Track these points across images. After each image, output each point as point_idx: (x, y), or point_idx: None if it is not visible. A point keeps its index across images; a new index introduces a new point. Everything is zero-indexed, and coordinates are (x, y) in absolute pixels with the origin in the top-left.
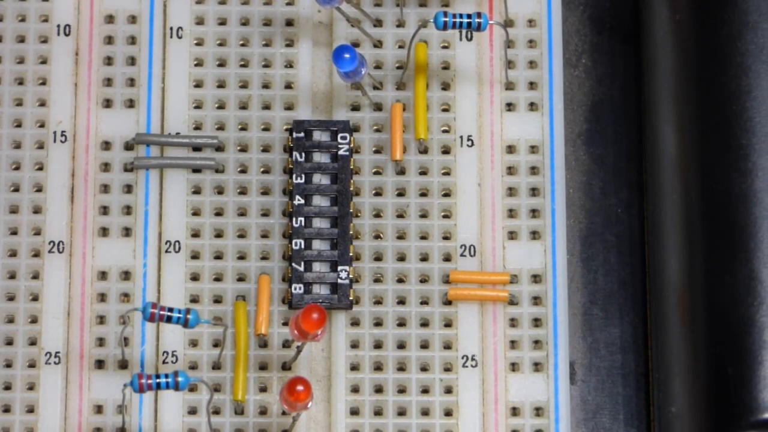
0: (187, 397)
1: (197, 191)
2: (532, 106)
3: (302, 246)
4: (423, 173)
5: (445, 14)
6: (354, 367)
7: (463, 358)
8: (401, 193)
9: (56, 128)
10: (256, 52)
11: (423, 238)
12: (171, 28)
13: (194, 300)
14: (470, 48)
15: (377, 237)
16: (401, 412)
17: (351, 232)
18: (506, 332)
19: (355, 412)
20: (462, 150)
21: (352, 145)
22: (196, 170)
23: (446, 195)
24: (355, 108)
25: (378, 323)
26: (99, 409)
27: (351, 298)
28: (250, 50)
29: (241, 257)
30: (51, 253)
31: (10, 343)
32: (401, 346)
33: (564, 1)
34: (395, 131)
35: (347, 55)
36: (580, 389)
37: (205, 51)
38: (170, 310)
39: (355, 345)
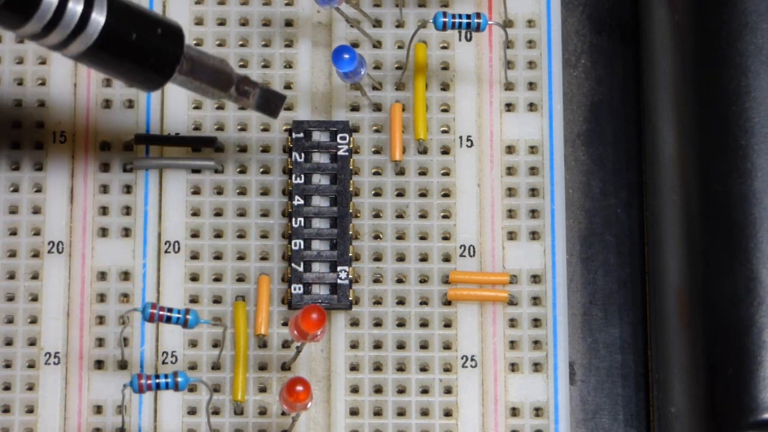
0: (187, 397)
1: (197, 191)
2: (532, 107)
3: (302, 246)
4: (422, 174)
5: (445, 15)
6: (353, 368)
7: (462, 358)
8: (401, 194)
9: (56, 129)
10: (256, 52)
11: (422, 238)
12: None
13: (194, 300)
14: (469, 48)
15: (377, 237)
16: (401, 413)
17: (350, 233)
18: (506, 332)
19: (354, 412)
20: (461, 150)
21: (351, 146)
22: (196, 170)
23: (446, 195)
24: (355, 108)
25: (377, 323)
26: (98, 410)
27: (350, 298)
28: (249, 51)
29: (241, 257)
30: (51, 254)
31: (9, 343)
32: (401, 346)
33: (563, 2)
34: (395, 132)
35: (346, 56)
36: (579, 389)
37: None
38: (170, 310)
39: (354, 345)
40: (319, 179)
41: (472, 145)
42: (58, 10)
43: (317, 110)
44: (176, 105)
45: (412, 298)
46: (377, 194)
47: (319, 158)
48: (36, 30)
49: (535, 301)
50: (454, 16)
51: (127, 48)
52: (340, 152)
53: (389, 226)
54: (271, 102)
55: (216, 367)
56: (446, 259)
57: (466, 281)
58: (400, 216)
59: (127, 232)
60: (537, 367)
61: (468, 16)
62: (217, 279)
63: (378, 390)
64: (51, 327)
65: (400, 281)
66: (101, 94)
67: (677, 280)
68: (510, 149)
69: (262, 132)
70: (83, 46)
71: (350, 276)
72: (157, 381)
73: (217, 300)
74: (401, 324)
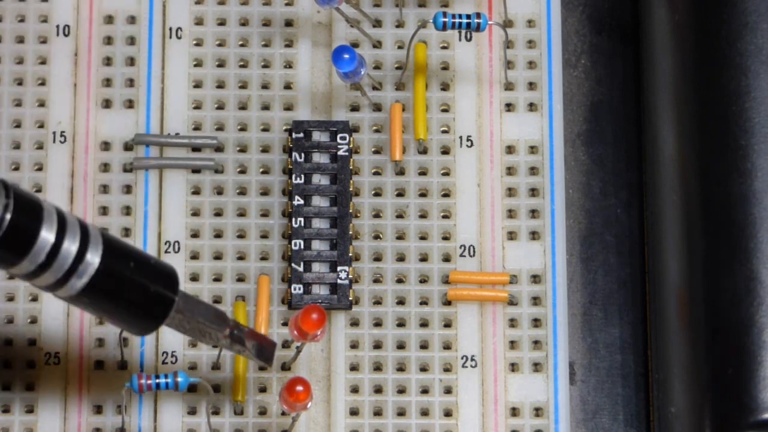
0: (187, 397)
1: (197, 192)
2: (532, 107)
3: (302, 246)
4: (422, 174)
5: (445, 15)
6: (353, 368)
7: (462, 358)
8: (401, 194)
9: (56, 129)
10: (256, 52)
11: (422, 238)
12: (170, 29)
13: None
14: (469, 48)
15: (377, 237)
16: (401, 413)
17: (350, 233)
18: (506, 332)
19: (354, 412)
20: (461, 150)
21: (351, 146)
22: (196, 171)
23: (446, 195)
24: (355, 108)
25: (377, 323)
26: (98, 410)
27: (350, 298)
28: (249, 51)
29: (241, 258)
30: None
31: (9, 343)
32: (401, 346)
33: (563, 2)
34: (395, 132)
35: (346, 56)
36: (579, 389)
37: (205, 51)
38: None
39: (354, 345)
40: (319, 179)
41: (472, 145)
42: (53, 249)
43: (317, 110)
44: (176, 105)
45: (412, 298)
46: (377, 194)
47: (319, 158)
48: (30, 269)
49: (535, 301)
50: (454, 16)
51: (121, 288)
52: (340, 152)
53: (389, 226)
54: (264, 349)
55: (216, 367)
56: (446, 259)
57: (466, 281)
58: (400, 216)
59: (127, 233)
60: (537, 367)
61: (468, 16)
62: (217, 279)
63: (378, 390)
64: (51, 327)
65: (400, 281)
66: (100, 94)
67: (677, 280)
68: (510, 149)
69: (262, 132)
70: (77, 286)
71: (350, 276)
72: (157, 381)
73: (217, 300)
74: (401, 324)
